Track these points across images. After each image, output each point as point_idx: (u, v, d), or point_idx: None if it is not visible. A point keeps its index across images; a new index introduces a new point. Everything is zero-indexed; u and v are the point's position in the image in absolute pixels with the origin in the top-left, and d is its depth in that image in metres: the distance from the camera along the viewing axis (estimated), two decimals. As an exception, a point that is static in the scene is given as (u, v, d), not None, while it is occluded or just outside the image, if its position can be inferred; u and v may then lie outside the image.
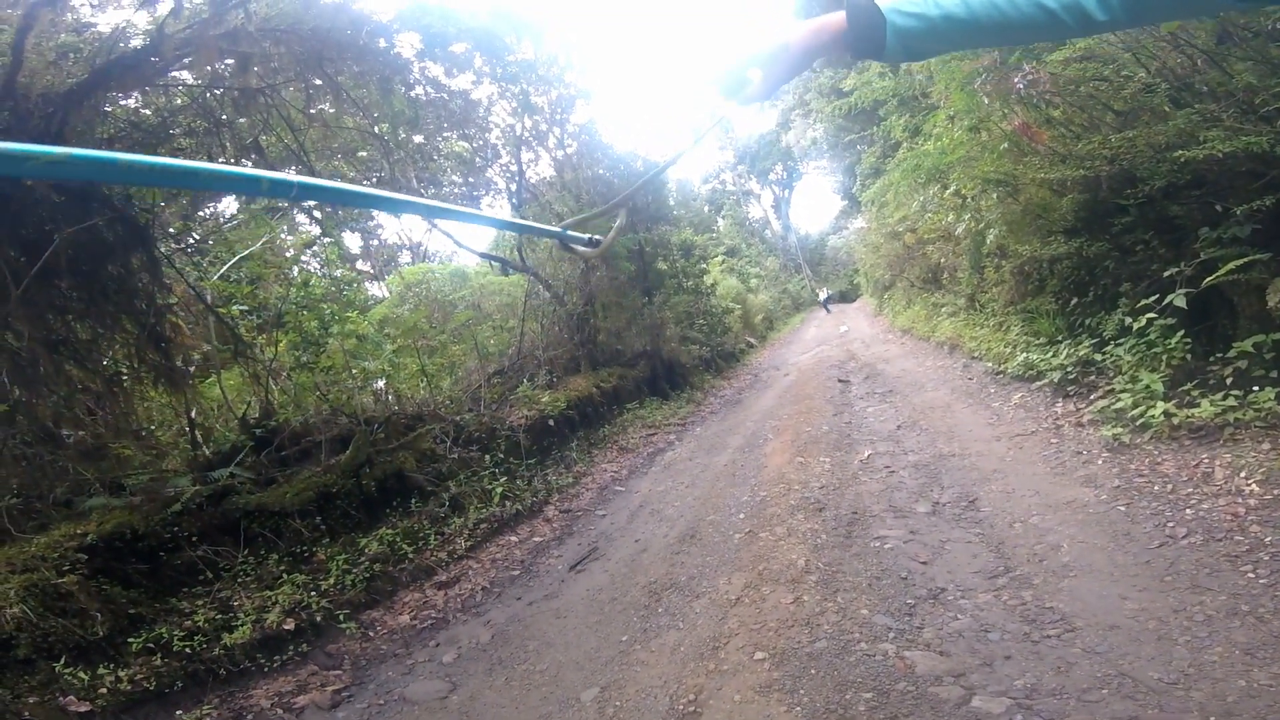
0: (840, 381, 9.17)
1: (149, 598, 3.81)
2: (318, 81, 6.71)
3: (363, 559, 4.49)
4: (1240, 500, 2.92)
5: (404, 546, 4.77)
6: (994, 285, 7.37)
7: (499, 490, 5.65)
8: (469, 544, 5.00)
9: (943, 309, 10.53)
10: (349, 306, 6.63)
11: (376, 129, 8.58)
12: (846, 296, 37.29)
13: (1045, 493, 3.54)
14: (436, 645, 3.73)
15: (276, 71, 6.31)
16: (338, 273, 9.05)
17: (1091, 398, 4.49)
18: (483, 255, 9.61)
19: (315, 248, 10.71)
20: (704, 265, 15.90)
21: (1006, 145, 5.55)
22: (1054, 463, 3.92)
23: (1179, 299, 3.71)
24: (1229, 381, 3.52)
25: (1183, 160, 3.75)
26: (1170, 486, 3.18)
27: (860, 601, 2.96)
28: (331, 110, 7.45)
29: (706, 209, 40.75)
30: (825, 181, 41.10)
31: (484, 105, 10.44)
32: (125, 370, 5.00)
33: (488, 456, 5.98)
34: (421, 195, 10.15)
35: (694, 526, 4.59)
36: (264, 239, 6.86)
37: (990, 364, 6.58)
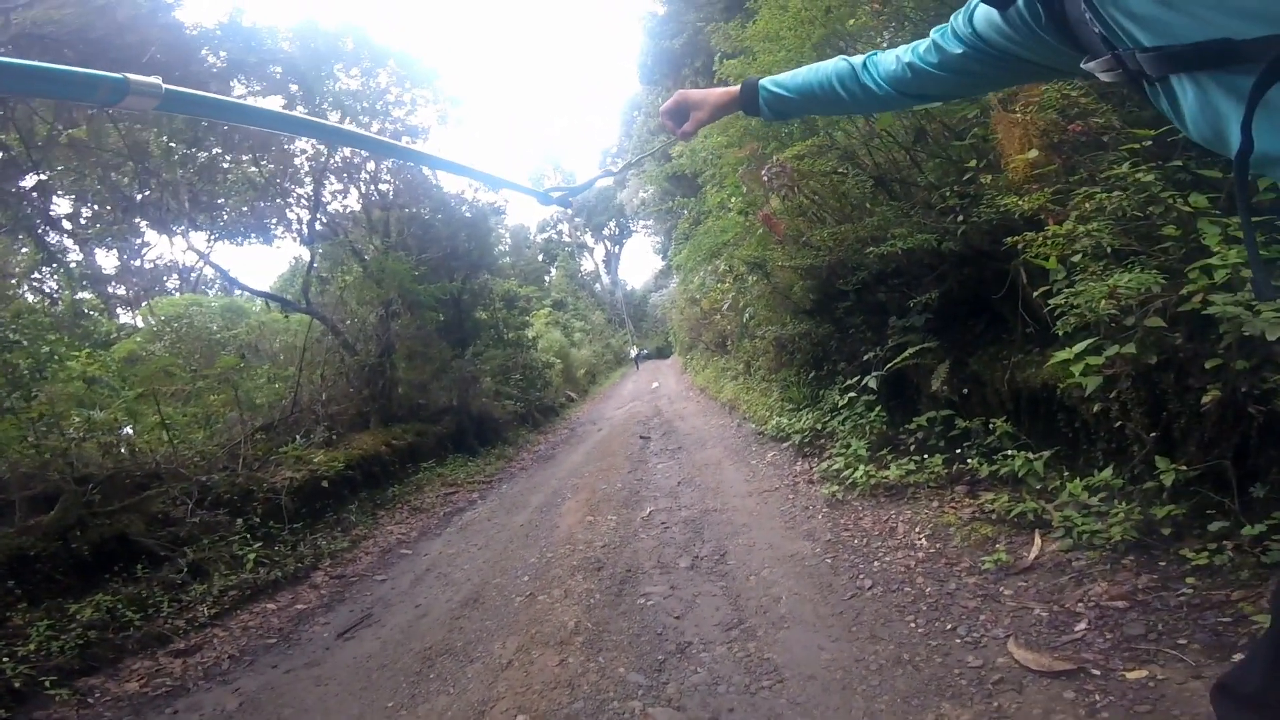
0: (642, 438, 9.71)
1: None
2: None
3: (74, 625, 4.09)
4: (912, 554, 3.57)
5: (128, 613, 4.36)
6: (761, 355, 8.41)
7: (252, 556, 5.22)
8: (214, 612, 4.66)
9: (727, 373, 11.70)
10: (83, 340, 5.64)
11: (153, 144, 7.61)
12: (663, 353, 39.52)
13: (777, 546, 4.07)
14: (174, 712, 3.46)
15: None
16: (83, 294, 7.64)
17: (821, 458, 5.31)
18: (261, 294, 8.73)
19: (51, 266, 8.98)
20: (527, 318, 16.00)
21: (762, 231, 6.18)
22: (788, 517, 4.53)
23: (872, 381, 4.62)
24: (913, 448, 4.38)
25: (875, 255, 4.50)
26: (866, 540, 3.84)
27: (619, 660, 3.14)
28: (90, 114, 6.51)
29: (541, 258, 41.25)
30: (650, 241, 44.00)
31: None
32: None
33: (240, 520, 5.50)
34: (197, 216, 9.09)
35: (479, 590, 4.53)
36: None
37: (755, 425, 7.44)
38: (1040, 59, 0.94)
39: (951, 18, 1.02)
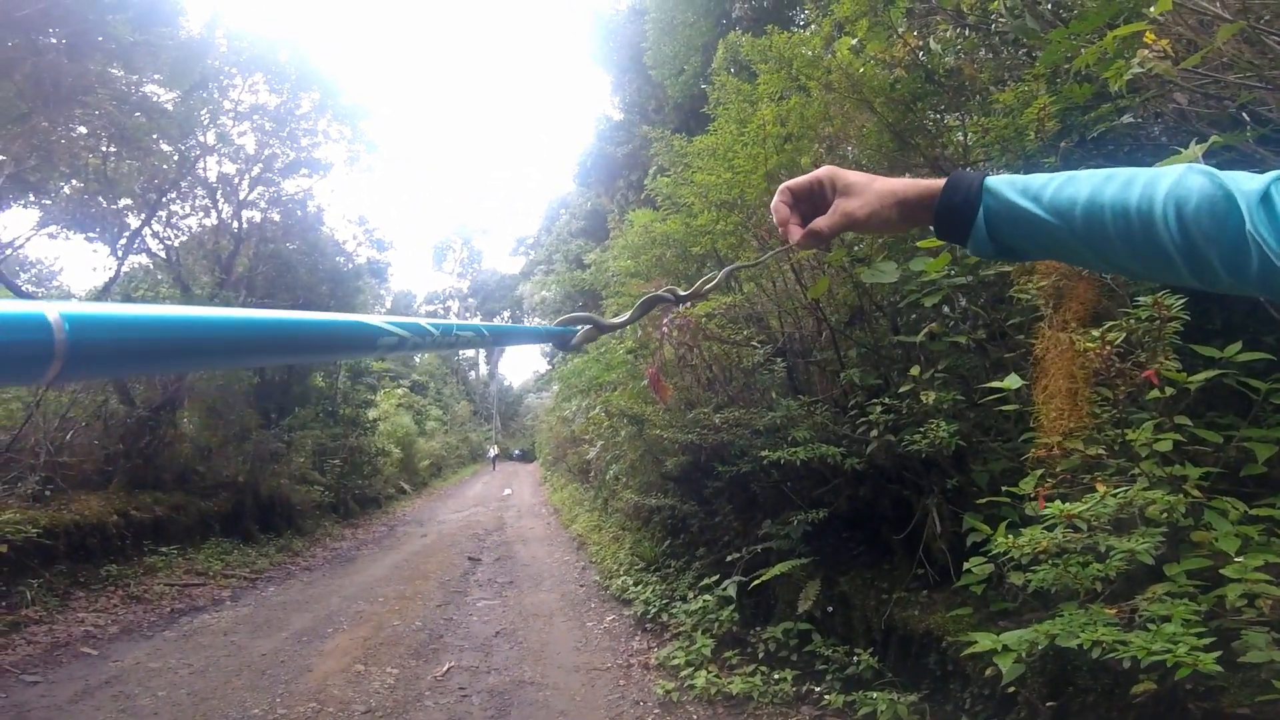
0: (470, 559, 8.47)
1: None
2: None
3: None
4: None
5: None
6: (619, 500, 7.73)
7: None
8: None
9: (584, 503, 10.87)
10: None
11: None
12: (528, 456, 37.72)
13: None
14: None
15: None
16: None
17: (664, 636, 4.63)
18: (23, 296, 6.95)
19: None
20: (374, 396, 14.43)
21: (647, 383, 5.35)
22: (615, 713, 3.69)
23: (731, 588, 4.18)
24: (761, 656, 3.81)
25: (768, 459, 3.79)
26: (697, 770, 3.10)
27: None
28: None
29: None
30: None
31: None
32: None
33: None
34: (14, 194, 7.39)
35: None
36: None
37: (600, 577, 6.63)
38: None
39: None
